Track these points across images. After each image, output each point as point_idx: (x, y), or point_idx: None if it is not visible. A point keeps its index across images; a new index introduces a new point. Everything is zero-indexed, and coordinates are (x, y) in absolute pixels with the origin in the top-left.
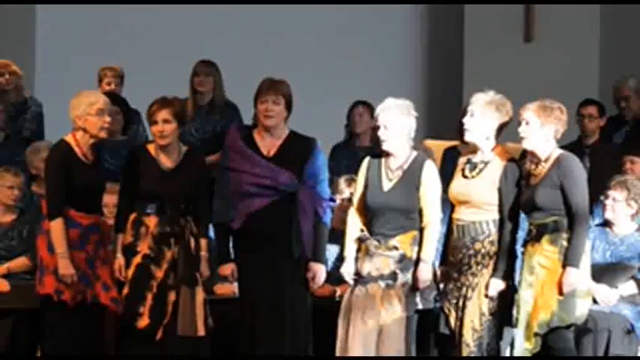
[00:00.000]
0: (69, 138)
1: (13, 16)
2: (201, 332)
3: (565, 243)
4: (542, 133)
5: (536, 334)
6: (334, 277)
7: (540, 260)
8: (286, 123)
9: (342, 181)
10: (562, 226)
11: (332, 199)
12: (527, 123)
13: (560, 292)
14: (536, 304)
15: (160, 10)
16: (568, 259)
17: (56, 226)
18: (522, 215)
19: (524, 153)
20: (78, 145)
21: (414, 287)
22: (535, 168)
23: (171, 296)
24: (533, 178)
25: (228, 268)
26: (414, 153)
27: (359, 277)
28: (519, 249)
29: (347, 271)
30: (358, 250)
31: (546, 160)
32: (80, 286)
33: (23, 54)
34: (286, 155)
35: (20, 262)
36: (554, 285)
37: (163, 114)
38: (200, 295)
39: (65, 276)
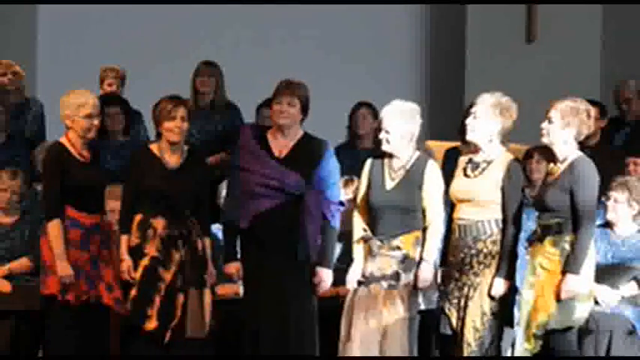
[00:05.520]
0: (63, 139)
1: (15, 16)
2: (206, 333)
3: (567, 246)
4: (563, 134)
5: (535, 335)
6: (336, 277)
7: (542, 261)
8: (301, 125)
9: (340, 183)
10: (566, 228)
11: (341, 203)
12: (550, 121)
13: (558, 298)
14: (536, 306)
15: (162, 10)
16: (568, 266)
17: (53, 227)
18: (524, 216)
19: (528, 153)
20: (72, 145)
21: (415, 287)
22: (553, 167)
23: (180, 298)
24: (550, 177)
25: (233, 267)
26: (417, 153)
27: (362, 278)
28: (521, 249)
29: (353, 274)
30: None
31: (563, 161)
32: (84, 287)
33: (25, 54)
34: (297, 157)
35: (21, 263)
36: (553, 287)
37: (182, 111)
38: (208, 296)
39: (63, 277)
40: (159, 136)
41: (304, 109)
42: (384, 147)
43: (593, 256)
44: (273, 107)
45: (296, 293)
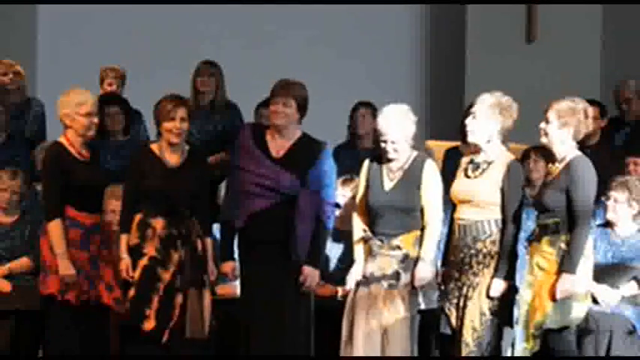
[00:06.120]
0: (62, 139)
1: (15, 16)
2: (206, 333)
3: (563, 246)
4: (561, 134)
5: (533, 335)
6: (337, 278)
7: (539, 261)
8: (299, 124)
9: (338, 182)
10: (562, 228)
11: (337, 204)
12: (547, 121)
13: (553, 298)
14: (533, 305)
15: (162, 10)
16: (564, 265)
17: (54, 227)
18: (524, 215)
19: (525, 153)
20: (71, 145)
21: (414, 286)
22: (552, 167)
23: (178, 299)
24: (549, 176)
25: (228, 266)
26: (414, 153)
27: (362, 278)
28: (521, 249)
29: (354, 274)
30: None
31: (561, 161)
32: (84, 287)
33: (25, 54)
34: (293, 157)
35: (22, 263)
36: (549, 286)
37: (181, 112)
38: (208, 297)
39: (65, 276)
40: (160, 135)
41: (301, 109)
42: (392, 155)
43: (590, 256)
44: (269, 107)
45: (290, 293)
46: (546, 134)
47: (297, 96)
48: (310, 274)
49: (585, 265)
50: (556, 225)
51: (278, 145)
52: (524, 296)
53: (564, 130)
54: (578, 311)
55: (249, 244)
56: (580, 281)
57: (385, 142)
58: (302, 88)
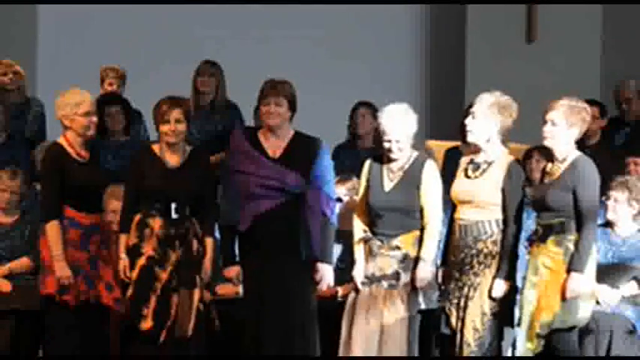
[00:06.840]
0: (61, 139)
1: (15, 16)
2: (189, 333)
3: (570, 245)
4: (567, 135)
5: (538, 335)
6: (336, 278)
7: (545, 261)
8: (291, 123)
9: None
10: (568, 228)
11: (339, 199)
12: (553, 123)
13: (563, 297)
14: (539, 305)
15: (162, 10)
16: (573, 265)
17: (51, 229)
18: (524, 215)
19: (528, 153)
20: (70, 146)
21: (414, 286)
22: (552, 167)
23: (175, 298)
24: (548, 176)
25: (233, 271)
26: (415, 153)
27: (364, 278)
28: (522, 249)
29: (357, 274)
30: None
31: (563, 161)
32: (83, 287)
33: (25, 54)
34: (292, 156)
35: (22, 263)
36: (557, 286)
37: (176, 113)
38: (196, 297)
39: (62, 278)
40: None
41: (292, 107)
42: (396, 155)
43: (594, 256)
44: (260, 109)
45: (299, 293)
46: (553, 137)
47: (287, 95)
48: (326, 271)
49: (590, 264)
50: (561, 225)
51: (273, 146)
52: (527, 296)
53: (571, 130)
54: (585, 311)
55: (255, 245)
56: (587, 281)
57: (389, 141)
58: (290, 87)
